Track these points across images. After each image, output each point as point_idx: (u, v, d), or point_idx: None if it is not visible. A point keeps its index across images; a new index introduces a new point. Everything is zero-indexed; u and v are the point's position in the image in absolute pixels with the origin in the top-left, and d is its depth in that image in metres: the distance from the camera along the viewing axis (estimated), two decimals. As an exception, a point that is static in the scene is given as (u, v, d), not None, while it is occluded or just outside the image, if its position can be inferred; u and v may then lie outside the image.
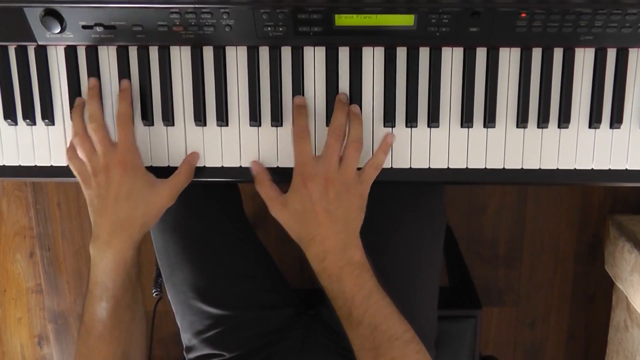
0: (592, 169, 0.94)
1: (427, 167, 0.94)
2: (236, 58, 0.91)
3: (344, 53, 0.91)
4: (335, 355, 1.04)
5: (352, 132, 0.89)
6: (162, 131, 0.94)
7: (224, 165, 0.94)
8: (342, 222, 0.87)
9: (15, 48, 0.92)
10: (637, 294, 1.49)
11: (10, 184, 1.95)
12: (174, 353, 2.03)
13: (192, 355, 1.09)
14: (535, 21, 0.86)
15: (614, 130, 0.93)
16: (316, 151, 0.93)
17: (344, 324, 0.87)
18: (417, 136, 0.93)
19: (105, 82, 0.93)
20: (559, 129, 0.93)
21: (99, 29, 0.88)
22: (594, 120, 0.92)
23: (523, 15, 0.85)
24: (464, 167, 0.94)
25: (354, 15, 0.86)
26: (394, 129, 0.93)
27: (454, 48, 0.91)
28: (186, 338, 1.11)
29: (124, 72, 0.92)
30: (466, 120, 0.92)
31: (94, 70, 0.92)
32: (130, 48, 0.91)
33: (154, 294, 1.26)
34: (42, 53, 0.92)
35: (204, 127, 0.94)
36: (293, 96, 0.92)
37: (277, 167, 0.94)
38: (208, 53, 0.91)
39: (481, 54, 0.91)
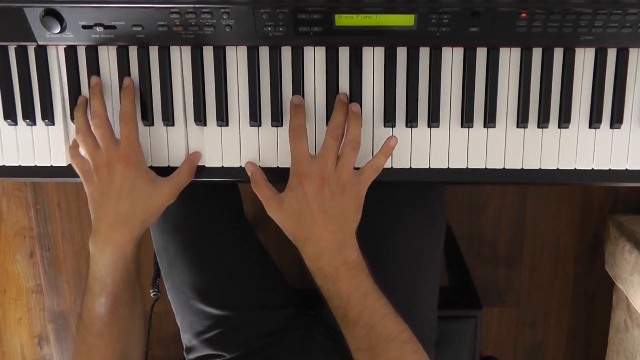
0: (593, 169, 0.94)
1: (427, 167, 0.94)
2: (236, 58, 0.91)
3: (344, 53, 0.91)
4: (336, 355, 1.04)
5: (349, 131, 0.88)
6: (162, 131, 0.94)
7: (224, 166, 0.94)
8: (337, 222, 0.87)
9: (15, 48, 0.92)
10: (637, 294, 1.49)
11: (10, 184, 1.95)
12: (174, 353, 2.03)
13: (192, 355, 1.09)
14: (536, 21, 0.86)
15: (614, 130, 0.93)
16: (316, 151, 0.93)
17: (340, 324, 0.87)
18: (417, 136, 0.93)
19: (106, 82, 0.93)
20: (559, 129, 0.92)
21: (99, 29, 0.88)
22: (594, 120, 0.91)
23: (523, 15, 0.85)
24: (464, 167, 0.94)
25: (354, 15, 0.86)
26: (394, 129, 0.93)
27: (454, 48, 0.91)
28: (186, 338, 1.11)
29: (124, 72, 0.92)
30: (466, 120, 0.91)
31: (94, 70, 0.92)
32: (130, 48, 0.91)
33: (152, 294, 1.26)
34: (42, 53, 0.92)
35: (204, 127, 0.94)
36: (292, 97, 0.92)
37: (277, 167, 0.94)
38: (208, 53, 0.91)
39: (481, 54, 0.90)
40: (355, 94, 0.91)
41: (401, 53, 0.91)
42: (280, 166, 0.94)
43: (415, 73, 0.91)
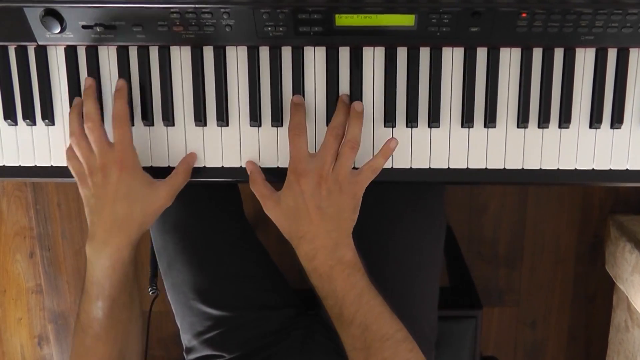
0: (593, 169, 0.94)
1: (427, 167, 0.94)
2: (236, 58, 0.91)
3: (344, 53, 0.91)
4: (335, 355, 1.04)
5: (349, 131, 0.88)
6: (162, 131, 0.94)
7: (224, 166, 0.94)
8: (333, 221, 0.86)
9: (15, 48, 0.92)
10: (637, 294, 1.49)
11: (10, 184, 1.95)
12: (174, 353, 2.03)
13: (192, 356, 1.09)
14: (536, 21, 0.86)
15: (615, 130, 0.93)
16: (315, 151, 0.92)
17: (335, 323, 0.87)
18: (417, 136, 0.93)
19: (106, 82, 0.93)
20: (559, 129, 0.92)
21: (99, 29, 0.88)
22: (595, 121, 0.91)
23: (524, 15, 0.85)
24: (465, 167, 0.93)
25: (355, 15, 0.86)
26: (394, 129, 0.92)
27: (454, 48, 0.90)
28: (186, 339, 1.11)
29: (124, 72, 0.92)
30: (467, 120, 0.91)
31: (94, 70, 0.92)
32: (130, 48, 0.91)
33: (150, 292, 1.25)
34: (42, 53, 0.92)
35: (204, 127, 0.94)
36: (293, 96, 0.92)
37: (277, 167, 0.94)
38: (208, 53, 0.91)
39: (482, 54, 0.90)
40: (356, 94, 0.91)
41: (401, 53, 0.90)
42: (280, 166, 0.94)
43: (416, 73, 0.91)
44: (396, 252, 1.08)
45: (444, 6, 0.84)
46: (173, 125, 0.94)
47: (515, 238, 1.95)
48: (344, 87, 0.92)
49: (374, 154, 0.91)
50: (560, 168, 0.93)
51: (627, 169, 0.94)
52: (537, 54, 0.90)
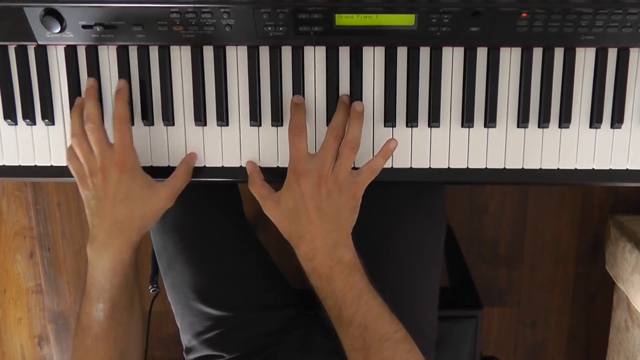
0: (593, 169, 0.93)
1: (427, 167, 0.94)
2: (236, 58, 0.91)
3: (344, 53, 0.91)
4: (335, 355, 1.04)
5: (349, 131, 0.88)
6: (162, 131, 0.94)
7: (224, 165, 0.94)
8: (333, 221, 0.86)
9: (15, 48, 0.92)
10: (638, 294, 1.49)
11: (10, 184, 1.95)
12: (174, 353, 2.03)
13: (192, 356, 1.09)
14: (536, 21, 0.86)
15: (615, 130, 0.92)
16: (315, 151, 0.92)
17: (334, 324, 0.87)
18: (417, 136, 0.93)
19: (106, 82, 0.93)
20: (559, 129, 0.92)
21: (99, 28, 0.88)
22: (595, 120, 0.91)
23: (524, 15, 0.85)
24: (465, 167, 0.93)
25: (355, 15, 0.86)
26: (394, 128, 0.92)
27: (454, 48, 0.90)
28: (186, 339, 1.11)
29: (124, 71, 0.92)
30: (467, 120, 0.91)
31: (94, 70, 0.92)
32: (130, 48, 0.91)
33: (150, 290, 1.25)
34: (42, 53, 0.92)
35: (204, 127, 0.93)
36: (293, 96, 0.92)
37: (277, 167, 0.94)
38: (208, 53, 0.91)
39: (482, 53, 0.90)
40: (356, 93, 0.91)
41: (401, 53, 0.90)
42: (280, 166, 0.94)
43: (416, 73, 0.91)
44: (396, 252, 1.08)
45: (444, 6, 0.84)
46: (173, 125, 0.94)
47: (515, 238, 1.95)
48: (344, 87, 0.92)
49: (374, 155, 0.90)
50: (561, 168, 0.93)
51: (627, 169, 0.94)
52: (537, 53, 0.90)
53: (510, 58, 0.91)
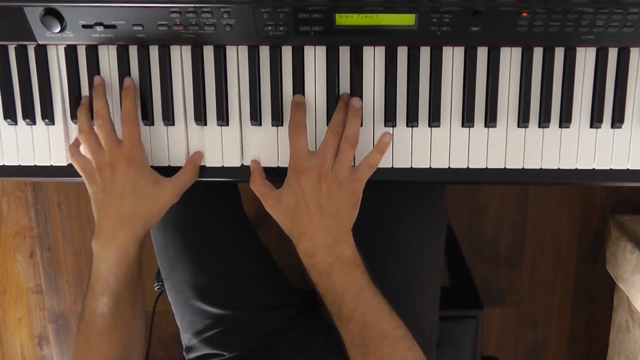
0: (594, 169, 0.93)
1: (428, 166, 0.93)
2: (237, 57, 0.91)
3: (344, 52, 0.91)
4: (335, 355, 1.04)
5: (348, 127, 0.88)
6: (162, 131, 0.94)
7: (225, 165, 0.94)
8: (333, 218, 0.86)
9: (15, 47, 0.92)
10: (638, 294, 1.49)
11: (10, 184, 1.95)
12: (174, 353, 2.03)
13: (192, 355, 1.09)
14: (537, 20, 0.86)
15: (616, 130, 0.92)
16: (316, 149, 0.92)
17: (334, 320, 0.87)
18: (417, 136, 0.93)
19: (106, 81, 0.92)
20: (560, 129, 0.92)
21: (99, 28, 0.88)
22: (595, 120, 0.91)
23: (524, 14, 0.85)
24: (465, 167, 0.93)
25: (355, 15, 0.86)
26: (394, 128, 0.92)
27: (455, 47, 0.90)
28: (186, 338, 1.11)
29: (124, 71, 0.92)
30: (467, 119, 0.91)
31: (94, 70, 0.92)
32: (130, 47, 0.91)
33: (155, 287, 1.25)
34: (42, 52, 0.92)
35: (205, 127, 0.93)
36: (294, 96, 0.91)
37: (277, 166, 0.94)
38: (208, 52, 0.91)
39: (482, 53, 0.90)
40: (356, 93, 0.91)
41: (402, 52, 0.90)
42: (280, 166, 0.94)
43: (416, 73, 0.90)
44: (397, 252, 1.08)
45: (444, 5, 0.84)
46: (173, 124, 0.93)
47: (516, 238, 1.95)
48: (344, 86, 0.91)
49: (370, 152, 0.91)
50: (561, 168, 0.93)
51: (627, 169, 0.93)
52: (538, 53, 0.90)
53: (510, 58, 0.91)
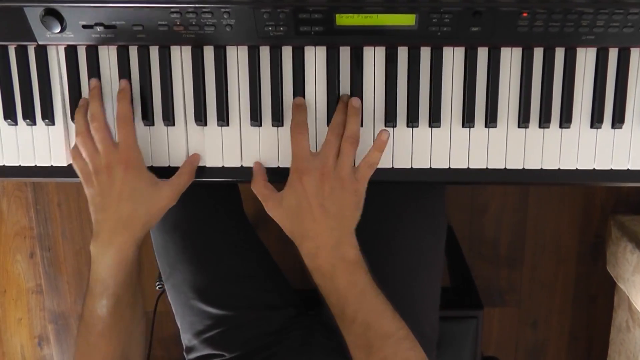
0: (594, 169, 0.93)
1: (428, 167, 0.93)
2: (237, 58, 0.91)
3: (345, 53, 0.91)
4: (336, 355, 1.04)
5: (348, 127, 0.88)
6: (162, 131, 0.94)
7: (225, 165, 0.94)
8: (336, 219, 0.86)
9: (15, 48, 0.92)
10: (639, 294, 1.49)
11: (10, 184, 1.95)
12: (174, 353, 2.03)
13: (192, 355, 1.09)
14: (537, 21, 0.86)
15: (616, 130, 0.92)
16: (316, 150, 0.92)
17: (337, 321, 0.87)
18: (418, 136, 0.93)
19: (106, 82, 0.93)
20: (560, 129, 0.92)
21: (99, 28, 0.88)
22: (596, 120, 0.91)
23: (524, 14, 0.85)
24: (466, 167, 0.93)
25: (355, 15, 0.86)
26: (395, 128, 0.92)
27: (455, 48, 0.90)
28: (186, 338, 1.11)
29: (124, 72, 0.92)
30: (467, 120, 0.91)
31: (95, 70, 0.92)
32: (130, 48, 0.91)
33: (157, 287, 1.24)
34: (42, 53, 0.92)
35: (205, 127, 0.93)
36: (294, 96, 0.92)
37: (278, 167, 0.94)
38: (209, 53, 0.91)
39: (482, 53, 0.90)
40: (356, 93, 0.91)
41: (402, 53, 0.90)
42: (280, 166, 0.94)
43: (416, 73, 0.90)
44: (397, 253, 1.08)
45: (444, 6, 0.84)
46: (173, 125, 0.93)
47: (516, 238, 1.95)
48: (345, 86, 0.91)
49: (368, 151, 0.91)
50: (561, 168, 0.93)
51: (628, 169, 0.93)
52: (538, 53, 0.90)
53: (511, 58, 0.91)
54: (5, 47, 0.92)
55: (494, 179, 0.94)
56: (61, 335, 2.08)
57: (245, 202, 1.22)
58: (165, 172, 0.92)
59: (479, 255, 1.96)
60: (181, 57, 0.91)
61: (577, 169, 0.93)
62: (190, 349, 1.11)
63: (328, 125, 0.92)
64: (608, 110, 0.92)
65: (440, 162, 0.93)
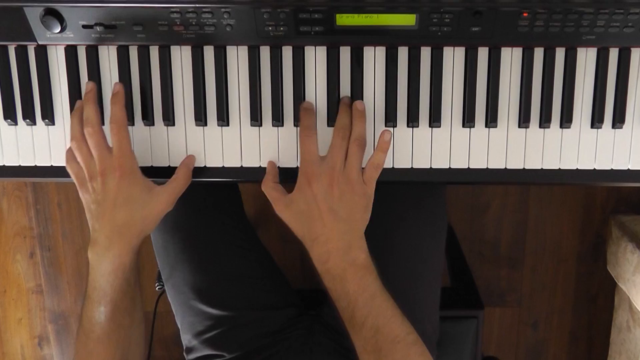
0: (595, 169, 0.93)
1: (428, 167, 0.93)
2: (237, 58, 0.91)
3: (345, 53, 0.91)
4: (336, 355, 1.04)
5: (355, 130, 0.88)
6: (162, 131, 0.94)
7: (225, 165, 0.94)
8: (346, 222, 0.87)
9: (15, 48, 0.92)
10: (639, 294, 1.49)
11: (10, 184, 1.95)
12: (174, 354, 2.03)
13: (193, 356, 1.09)
14: (537, 21, 0.85)
15: (616, 130, 0.92)
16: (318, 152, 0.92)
17: (347, 325, 0.87)
18: (418, 136, 0.93)
19: (106, 82, 0.92)
20: (561, 129, 0.92)
21: (99, 28, 0.88)
22: (596, 120, 0.91)
23: (525, 14, 0.85)
24: (466, 167, 0.93)
25: (356, 15, 0.86)
26: (395, 128, 0.92)
27: (455, 48, 0.90)
28: (186, 339, 1.11)
29: (124, 72, 0.91)
30: (468, 120, 0.91)
31: (95, 70, 0.92)
32: (130, 48, 0.91)
33: (157, 288, 1.24)
34: (42, 53, 0.92)
35: (205, 127, 0.93)
36: (294, 96, 0.92)
37: (278, 167, 0.93)
38: (209, 53, 0.91)
39: (483, 53, 0.90)
40: (357, 93, 0.91)
41: (402, 53, 0.90)
42: (280, 166, 0.93)
43: (417, 73, 0.90)
44: (398, 253, 1.07)
45: (445, 6, 0.84)
46: (173, 125, 0.93)
47: (516, 238, 1.95)
48: (345, 86, 0.91)
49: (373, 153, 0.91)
50: (562, 168, 0.93)
51: (628, 169, 0.93)
52: (539, 53, 0.90)
53: (511, 58, 0.90)
54: (5, 47, 0.92)
55: (494, 179, 0.94)
56: (61, 335, 2.08)
57: (245, 202, 1.22)
58: (165, 172, 0.92)
59: (479, 255, 1.96)
60: (181, 57, 0.91)
61: (577, 169, 0.93)
62: (190, 350, 1.10)
63: (328, 125, 0.92)
64: (608, 110, 0.92)
65: (441, 162, 0.93)
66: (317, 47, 0.91)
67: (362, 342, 0.85)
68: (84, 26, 0.88)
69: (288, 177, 0.92)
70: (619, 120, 0.91)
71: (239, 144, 0.94)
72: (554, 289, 1.99)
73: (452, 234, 1.67)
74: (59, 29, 0.87)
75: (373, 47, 0.90)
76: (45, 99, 0.93)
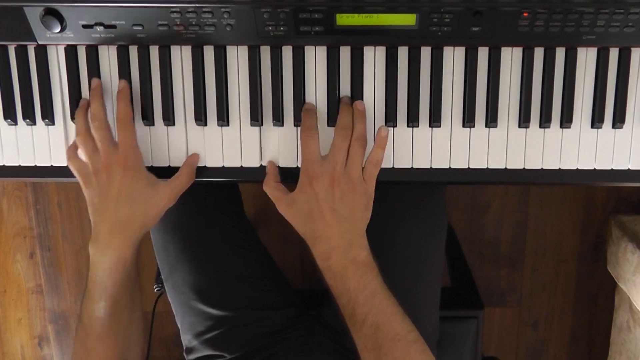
0: (595, 169, 0.93)
1: (428, 167, 0.93)
2: (237, 58, 0.91)
3: (345, 52, 0.91)
4: (337, 355, 1.04)
5: (356, 129, 0.89)
6: (162, 131, 0.94)
7: (225, 165, 0.94)
8: (348, 221, 0.87)
9: (15, 48, 0.92)
10: (639, 294, 1.49)
11: (10, 184, 1.95)
12: (174, 353, 2.03)
13: (193, 356, 1.09)
14: (538, 20, 0.85)
15: (617, 130, 0.92)
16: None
17: (347, 323, 0.87)
18: (418, 136, 0.93)
19: (106, 81, 0.92)
20: (561, 129, 0.92)
21: (99, 28, 0.88)
22: (597, 120, 0.91)
23: (525, 14, 0.85)
24: (466, 167, 0.93)
25: (356, 15, 0.86)
26: (395, 128, 0.92)
27: (455, 47, 0.90)
28: (186, 339, 1.11)
29: (124, 71, 0.91)
30: (468, 120, 0.91)
31: (95, 70, 0.92)
32: (130, 48, 0.91)
33: (155, 290, 1.24)
34: (42, 53, 0.92)
35: (205, 127, 0.93)
36: (294, 96, 0.92)
37: (278, 167, 0.93)
38: (209, 52, 0.91)
39: (483, 53, 0.90)
40: (357, 93, 0.91)
41: (402, 53, 0.90)
42: (280, 166, 0.93)
43: (417, 73, 0.90)
44: (398, 252, 1.08)
45: (445, 5, 0.84)
46: (174, 125, 0.93)
47: (517, 238, 1.95)
48: (345, 86, 0.91)
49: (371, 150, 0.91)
50: (562, 168, 0.93)
51: (628, 169, 0.93)
52: (539, 53, 0.90)
53: (511, 58, 0.90)
54: (5, 47, 0.92)
55: (494, 179, 0.94)
56: (61, 335, 2.08)
57: (245, 202, 1.22)
58: (165, 172, 0.92)
59: (479, 255, 1.96)
60: (181, 57, 0.91)
61: (577, 169, 0.93)
62: (190, 350, 1.10)
63: (328, 124, 0.92)
64: (609, 110, 0.92)
65: (441, 162, 0.93)
66: (317, 47, 0.91)
67: (363, 339, 0.85)
68: (84, 26, 0.88)
69: (288, 177, 0.92)
70: (619, 120, 0.91)
71: (239, 144, 0.94)
72: (554, 289, 1.99)
73: (452, 234, 1.67)
74: (59, 29, 0.87)
75: (373, 47, 0.90)
76: (45, 99, 0.93)
